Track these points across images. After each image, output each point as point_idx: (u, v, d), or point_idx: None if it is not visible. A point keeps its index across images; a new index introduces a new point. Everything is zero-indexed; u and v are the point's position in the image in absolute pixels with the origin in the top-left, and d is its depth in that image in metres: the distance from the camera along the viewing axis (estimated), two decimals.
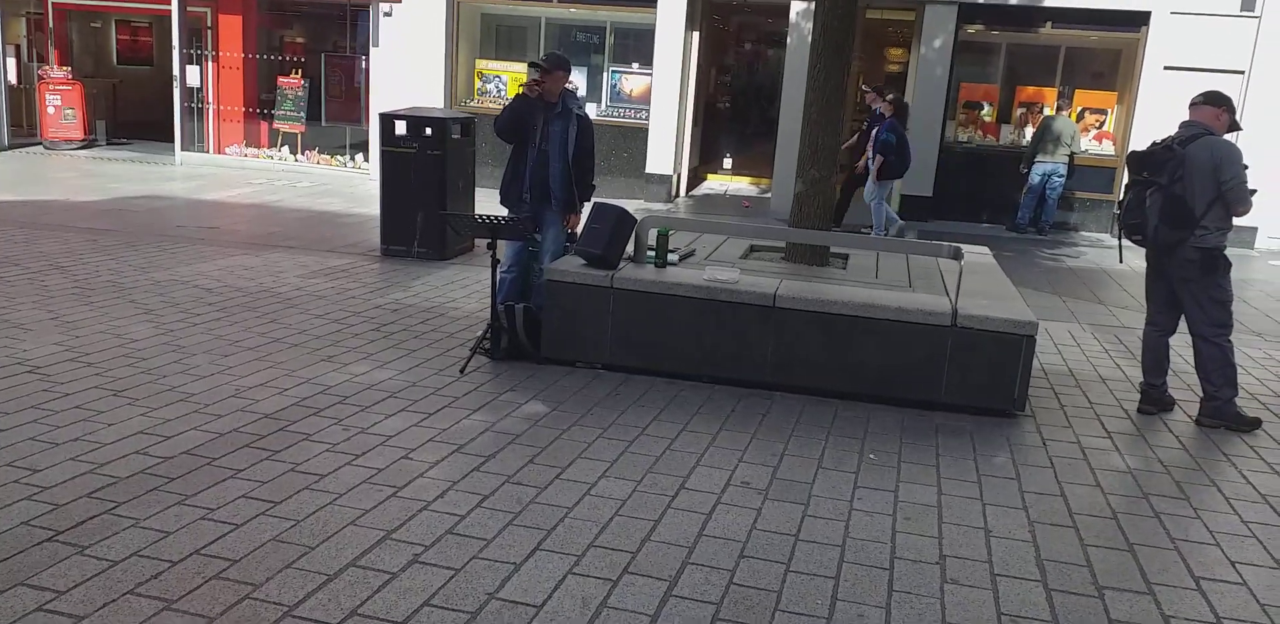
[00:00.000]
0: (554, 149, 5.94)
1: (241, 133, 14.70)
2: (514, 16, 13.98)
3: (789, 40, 12.52)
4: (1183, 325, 5.43)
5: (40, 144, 14.98)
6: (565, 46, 13.45)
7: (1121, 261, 5.75)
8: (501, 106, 6.22)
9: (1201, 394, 5.40)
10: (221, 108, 14.66)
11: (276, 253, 8.44)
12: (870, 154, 10.47)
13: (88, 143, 15.28)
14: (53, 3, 15.44)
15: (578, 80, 13.18)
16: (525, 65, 13.11)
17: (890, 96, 10.52)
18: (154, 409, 4.63)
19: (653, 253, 5.95)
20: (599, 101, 13.42)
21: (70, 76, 15.13)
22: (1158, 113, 11.18)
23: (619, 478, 4.18)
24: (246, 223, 10.06)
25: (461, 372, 5.49)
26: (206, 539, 3.42)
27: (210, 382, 5.07)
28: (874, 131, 10.41)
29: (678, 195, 13.66)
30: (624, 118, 13.32)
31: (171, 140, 14.53)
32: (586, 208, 6.08)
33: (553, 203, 6.04)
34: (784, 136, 12.26)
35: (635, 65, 13.29)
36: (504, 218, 5.68)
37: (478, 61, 13.84)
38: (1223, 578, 3.64)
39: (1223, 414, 5.30)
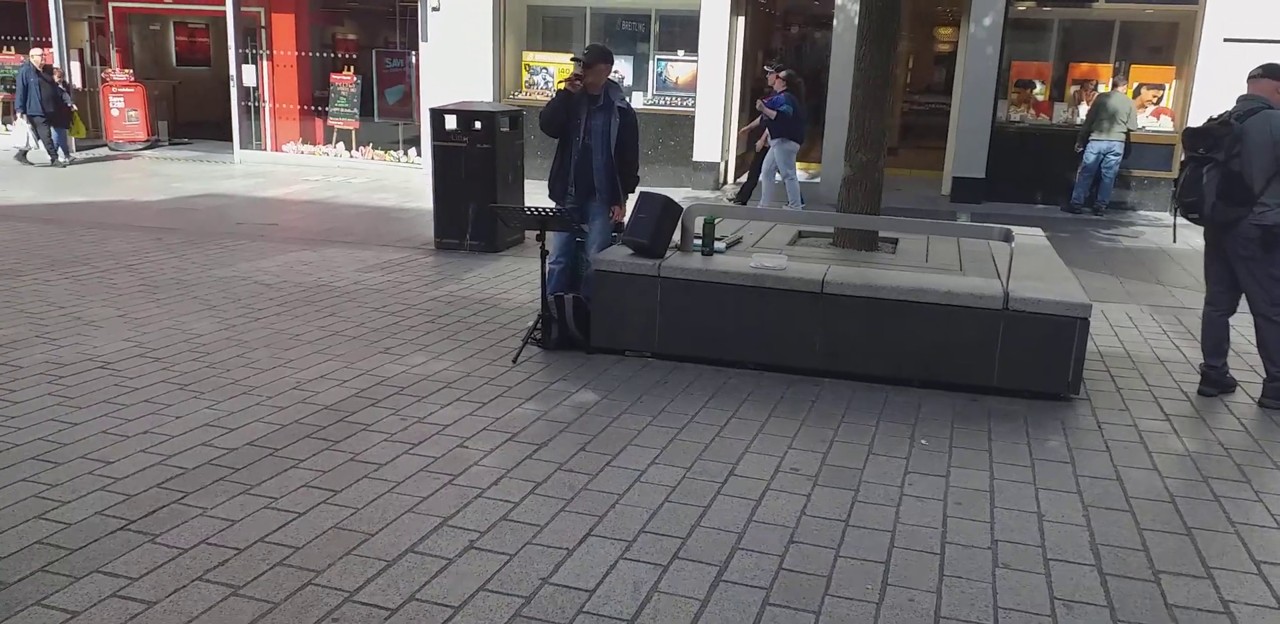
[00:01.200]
0: (597, 142, 5.99)
1: (298, 130, 14.98)
2: (559, 7, 14.03)
3: (835, 23, 12.40)
4: (1244, 305, 5.32)
5: (106, 146, 15.41)
6: (610, 36, 13.48)
7: (1175, 241, 5.65)
8: (548, 98, 6.27)
9: (1264, 375, 5.29)
10: (277, 106, 14.94)
11: (334, 248, 8.61)
12: (762, 128, 10.82)
13: (151, 143, 15.69)
14: (113, 6, 15.87)
15: (623, 69, 13.21)
16: (570, 57, 13.20)
17: (784, 73, 10.77)
18: (218, 402, 4.78)
19: (699, 241, 5.97)
20: (645, 90, 13.43)
21: (132, 79, 15.54)
22: (1217, 87, 10.87)
23: (669, 465, 4.23)
24: (304, 219, 10.27)
25: (514, 361, 5.57)
26: (270, 527, 3.54)
27: (272, 374, 5.22)
28: (769, 105, 10.63)
29: (725, 182, 13.64)
30: (670, 106, 13.32)
31: (230, 139, 14.87)
32: (632, 198, 6.12)
33: (597, 195, 6.09)
34: (831, 121, 12.17)
35: (681, 52, 13.27)
36: (552, 210, 5.74)
37: (524, 54, 13.93)
38: None
39: None
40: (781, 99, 10.57)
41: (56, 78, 13.48)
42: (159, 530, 3.48)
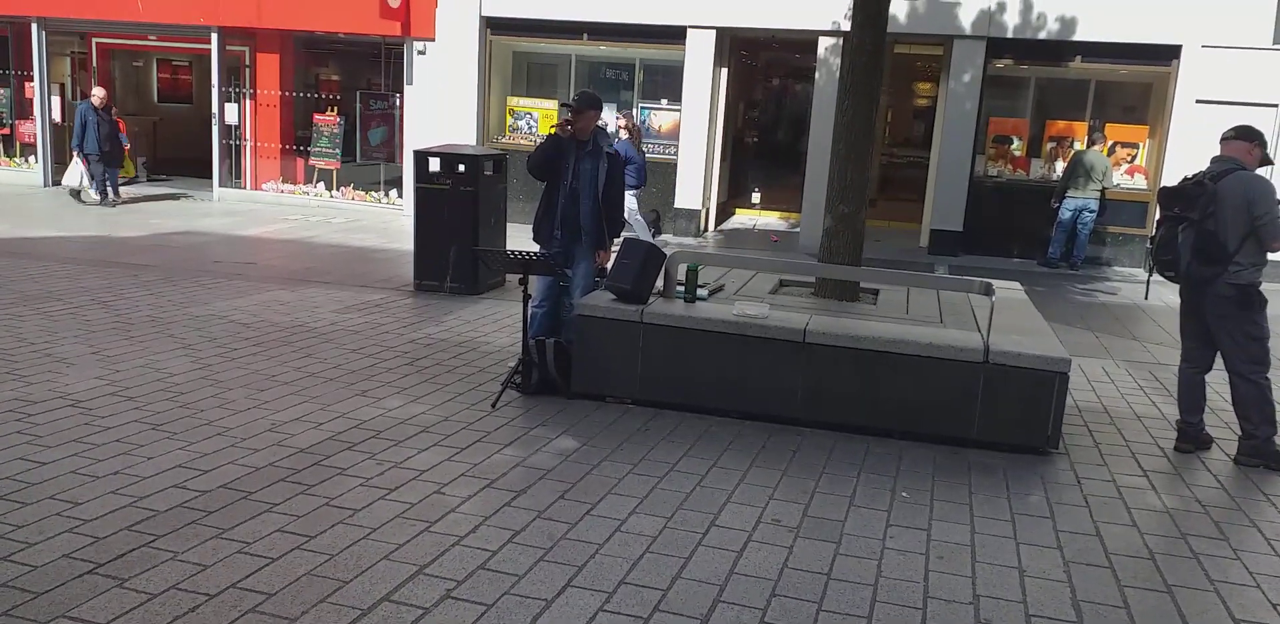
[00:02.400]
0: (584, 187, 6.04)
1: (278, 169, 14.98)
2: (545, 54, 14.21)
3: (817, 75, 12.63)
4: (1219, 362, 5.38)
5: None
6: (595, 83, 13.64)
7: (1148, 298, 5.72)
8: (533, 143, 6.33)
9: (1240, 432, 5.34)
10: (259, 144, 14.96)
11: (312, 288, 8.56)
12: None
13: (129, 179, 15.61)
14: (97, 42, 15.90)
15: (607, 117, 13.35)
16: (555, 102, 13.35)
17: (624, 118, 11.71)
18: (192, 443, 4.70)
19: (682, 288, 5.99)
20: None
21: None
22: (1190, 146, 11.15)
23: (649, 514, 4.19)
24: (283, 258, 10.22)
25: (493, 406, 5.53)
26: (243, 573, 3.46)
27: (247, 416, 5.14)
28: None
29: (706, 230, 13.74)
30: (653, 153, 13.43)
31: (210, 177, 14.84)
32: (616, 243, 6.15)
33: (583, 239, 6.11)
34: (812, 171, 12.33)
35: (664, 101, 13.44)
36: (535, 254, 5.75)
37: (509, 98, 14.06)
38: (1264, 621, 3.58)
39: (1262, 453, 5.22)
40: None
41: (115, 115, 13.41)
42: (128, 574, 3.40)
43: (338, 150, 14.30)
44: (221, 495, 4.12)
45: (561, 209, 6.04)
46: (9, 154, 15.96)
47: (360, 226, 12.69)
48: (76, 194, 13.43)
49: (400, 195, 14.01)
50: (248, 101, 14.83)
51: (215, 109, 14.64)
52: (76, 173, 13.36)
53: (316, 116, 14.45)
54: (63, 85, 15.96)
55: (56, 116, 15.46)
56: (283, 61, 14.92)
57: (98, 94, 13.28)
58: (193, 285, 8.35)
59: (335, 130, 14.27)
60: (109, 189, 13.41)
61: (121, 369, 5.83)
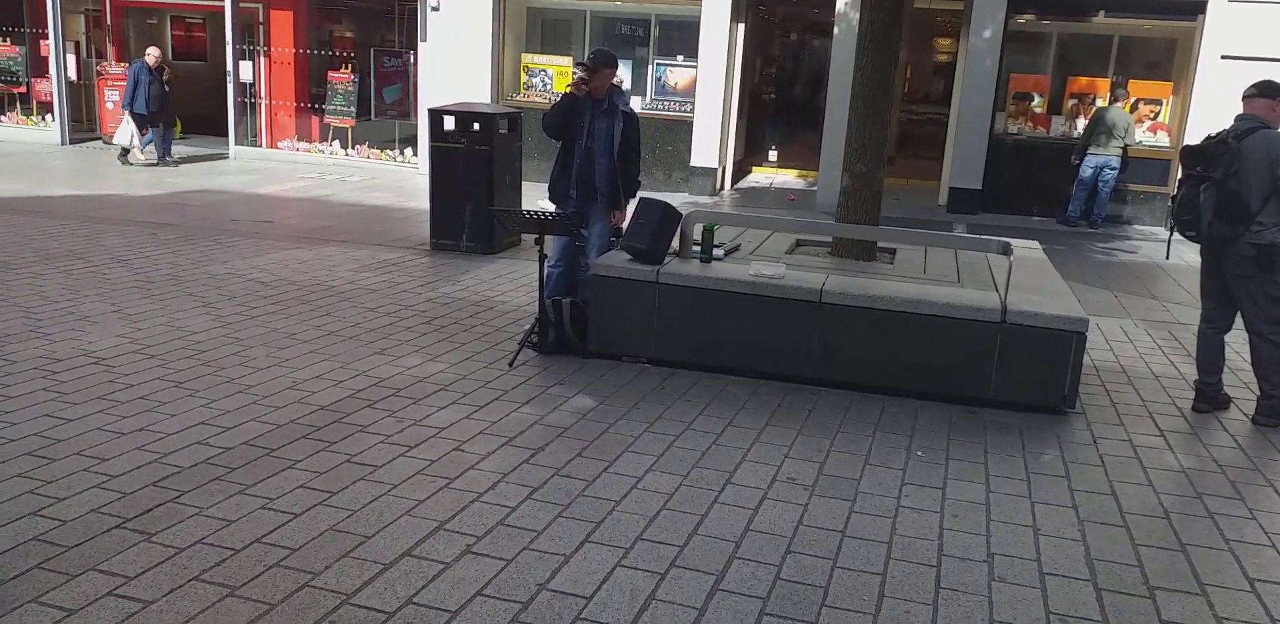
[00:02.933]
0: (599, 146, 6.00)
1: (294, 127, 14.94)
2: (559, 10, 14.04)
3: (835, 31, 12.44)
4: (1239, 322, 5.35)
5: (99, 139, 15.33)
6: (610, 39, 13.49)
7: (1169, 256, 5.67)
8: (548, 100, 6.29)
9: (1258, 392, 5.32)
10: (274, 102, 14.90)
11: (329, 247, 8.58)
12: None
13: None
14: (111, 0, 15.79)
15: (622, 73, 13.22)
16: (570, 59, 13.22)
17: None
18: (214, 400, 4.76)
19: (698, 248, 5.98)
20: (644, 94, 13.43)
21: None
22: (1215, 103, 10.95)
23: (666, 472, 4.23)
24: (299, 217, 10.24)
25: (510, 365, 5.56)
26: (267, 528, 3.52)
27: (267, 374, 5.20)
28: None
29: (723, 188, 13.66)
30: (669, 111, 13.33)
31: (226, 135, 14.81)
32: (632, 203, 6.13)
33: (599, 199, 6.10)
34: (830, 129, 12.20)
35: (680, 58, 13.28)
36: (551, 213, 5.74)
37: (523, 56, 13.92)
38: (1278, 579, 3.60)
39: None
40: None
41: (167, 77, 13.32)
42: (155, 529, 3.47)
43: (353, 108, 14.23)
44: (244, 452, 4.18)
45: (577, 169, 6.02)
46: (25, 112, 15.95)
47: (376, 185, 12.68)
48: (125, 153, 13.35)
49: (415, 154, 13.95)
50: (262, 59, 14.74)
51: (230, 67, 14.57)
52: (127, 132, 13.22)
53: (331, 74, 14.36)
54: (77, 43, 15.90)
55: (72, 75, 15.40)
56: (296, 19, 14.80)
57: (152, 53, 13.08)
58: (211, 244, 8.39)
59: (350, 88, 14.18)
60: (165, 150, 13.33)
61: (143, 327, 5.89)
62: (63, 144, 15.27)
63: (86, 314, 6.11)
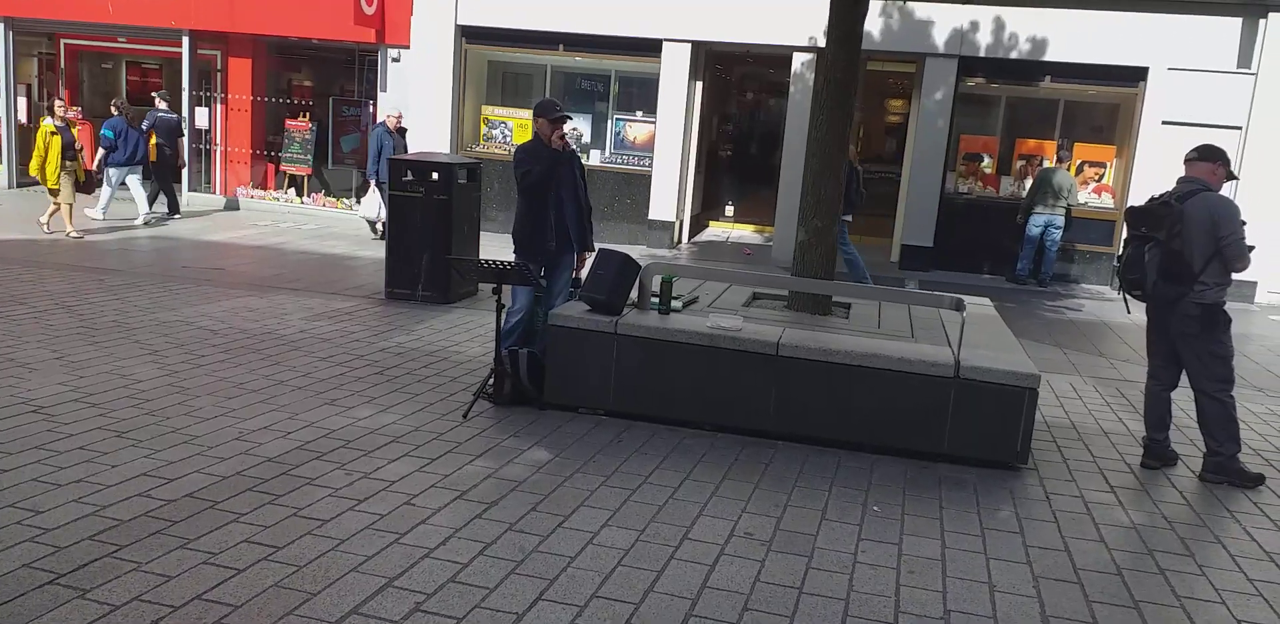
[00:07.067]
0: (566, 192, 6.12)
1: (249, 174, 14.84)
2: (520, 64, 14.20)
3: (791, 90, 12.71)
4: (1185, 380, 5.45)
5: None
6: (569, 94, 13.66)
7: (1129, 312, 5.79)
8: (507, 151, 6.34)
9: (1205, 449, 5.40)
10: (229, 149, 14.82)
11: (281, 295, 8.47)
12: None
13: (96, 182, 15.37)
14: (65, 43, 15.69)
15: (583, 127, 13.37)
16: (530, 112, 13.31)
17: (115, 103, 12.43)
18: (157, 451, 4.62)
19: (656, 299, 5.99)
20: (603, 148, 13.58)
21: (80, 117, 15.28)
22: (1157, 166, 11.33)
23: (622, 527, 4.17)
24: (252, 264, 10.12)
25: (465, 416, 5.49)
26: (208, 584, 3.40)
27: (214, 424, 5.07)
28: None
29: (680, 242, 13.76)
30: (628, 164, 13.47)
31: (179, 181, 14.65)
32: (591, 255, 6.16)
33: (571, 243, 6.18)
34: (785, 185, 12.40)
35: (639, 113, 13.47)
36: (510, 263, 5.72)
37: (484, 108, 14.03)
38: None
39: (1226, 470, 5.29)
40: (108, 124, 11.82)
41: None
42: (90, 585, 3.33)
43: (309, 156, 14.20)
44: (187, 505, 4.05)
45: (555, 220, 6.08)
46: None
47: (331, 233, 12.60)
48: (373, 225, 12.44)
49: None
50: (219, 106, 14.69)
51: (185, 113, 14.49)
52: (374, 203, 12.08)
53: (288, 122, 14.33)
54: (29, 86, 15.74)
55: (22, 117, 15.21)
56: (255, 66, 14.80)
57: (391, 115, 12.15)
58: (159, 290, 8.24)
59: (307, 136, 14.16)
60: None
61: (86, 375, 5.74)
62: (9, 187, 15.02)
63: (26, 361, 5.94)
